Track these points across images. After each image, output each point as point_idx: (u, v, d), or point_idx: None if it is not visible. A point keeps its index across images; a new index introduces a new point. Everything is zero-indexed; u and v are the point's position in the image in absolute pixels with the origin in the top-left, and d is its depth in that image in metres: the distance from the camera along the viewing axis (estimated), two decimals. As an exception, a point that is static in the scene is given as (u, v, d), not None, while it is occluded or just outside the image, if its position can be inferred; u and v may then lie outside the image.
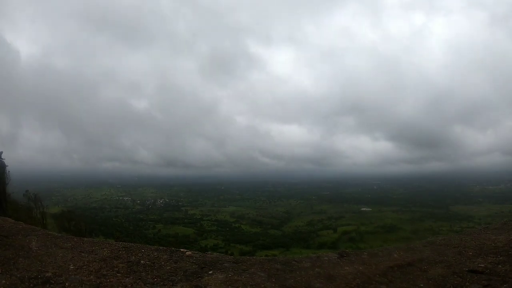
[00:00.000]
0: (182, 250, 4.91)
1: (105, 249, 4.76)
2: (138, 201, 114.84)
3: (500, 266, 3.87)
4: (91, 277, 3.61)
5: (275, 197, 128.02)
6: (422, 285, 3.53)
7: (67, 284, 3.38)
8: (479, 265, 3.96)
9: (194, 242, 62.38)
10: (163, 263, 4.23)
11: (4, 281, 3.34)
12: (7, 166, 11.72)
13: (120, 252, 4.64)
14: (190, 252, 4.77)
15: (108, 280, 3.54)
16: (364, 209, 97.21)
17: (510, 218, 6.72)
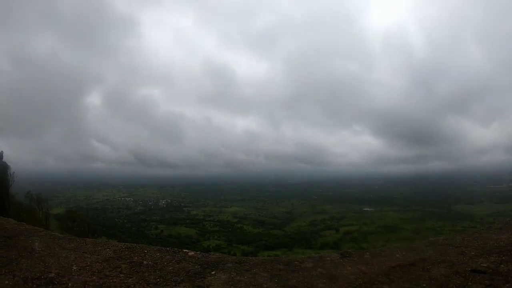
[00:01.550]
0: (184, 250, 4.91)
1: (108, 249, 4.78)
2: (140, 202, 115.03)
3: (502, 265, 3.86)
4: (94, 277, 3.62)
5: (276, 198, 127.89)
6: (424, 285, 3.52)
7: (70, 284, 3.40)
8: (482, 264, 3.95)
9: (196, 243, 62.47)
10: (165, 263, 4.24)
11: (7, 282, 3.36)
12: (10, 166, 11.75)
13: (123, 252, 4.66)
14: (192, 253, 4.77)
15: (111, 281, 3.55)
16: (366, 209, 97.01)
17: (513, 217, 6.70)
